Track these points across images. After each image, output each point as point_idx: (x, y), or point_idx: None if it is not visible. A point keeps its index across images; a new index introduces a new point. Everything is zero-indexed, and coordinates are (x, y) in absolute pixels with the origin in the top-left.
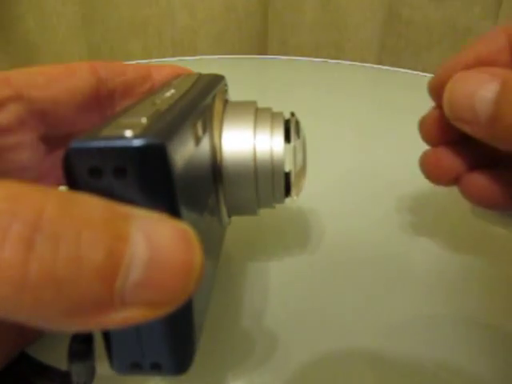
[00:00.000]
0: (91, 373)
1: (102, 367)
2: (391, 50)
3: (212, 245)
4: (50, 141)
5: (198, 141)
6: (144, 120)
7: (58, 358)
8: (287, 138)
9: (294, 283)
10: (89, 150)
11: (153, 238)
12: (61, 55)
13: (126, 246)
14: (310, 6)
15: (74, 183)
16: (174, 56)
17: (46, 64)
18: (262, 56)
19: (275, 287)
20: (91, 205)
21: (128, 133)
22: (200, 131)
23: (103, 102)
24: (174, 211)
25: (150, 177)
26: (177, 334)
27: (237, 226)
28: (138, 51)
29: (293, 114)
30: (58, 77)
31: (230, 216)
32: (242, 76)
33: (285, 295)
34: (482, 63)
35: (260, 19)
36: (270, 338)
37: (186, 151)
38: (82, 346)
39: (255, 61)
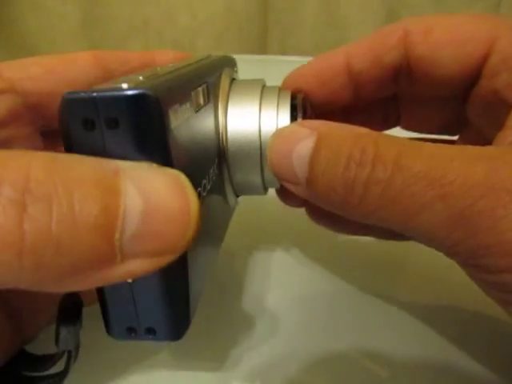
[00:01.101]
0: (77, 343)
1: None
2: None
3: (215, 221)
4: (49, 134)
5: (198, 107)
6: (141, 78)
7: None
8: (294, 116)
9: (297, 271)
10: (82, 100)
11: (145, 188)
12: None
13: (120, 198)
14: (310, 6)
15: (68, 135)
16: None
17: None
18: (261, 56)
19: (277, 275)
20: (79, 163)
21: (122, 85)
22: (200, 99)
23: None
24: (166, 162)
25: (143, 127)
26: (172, 299)
27: (241, 216)
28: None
29: (300, 91)
30: (55, 68)
31: (237, 195)
32: (242, 76)
33: (287, 283)
34: (320, 81)
35: (260, 19)
36: (271, 323)
37: (181, 111)
38: (70, 308)
39: (255, 61)
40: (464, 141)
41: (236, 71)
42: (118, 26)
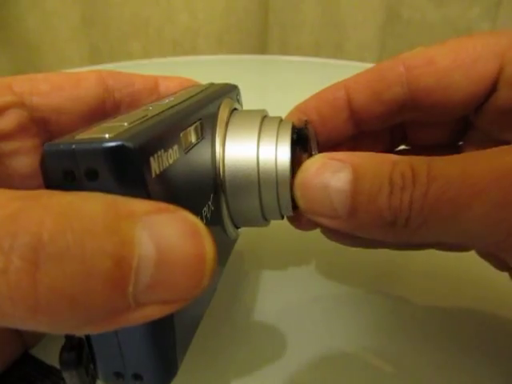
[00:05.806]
0: (90, 378)
1: None
2: (391, 50)
3: None
4: None
5: (188, 147)
6: (125, 124)
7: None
8: (294, 148)
9: (297, 273)
10: (61, 153)
11: (159, 236)
12: (61, 55)
13: (133, 249)
14: (309, 6)
15: (50, 186)
16: (174, 56)
17: (49, 69)
18: (262, 56)
19: (276, 277)
20: (91, 209)
21: (102, 136)
22: (192, 138)
23: (109, 112)
24: None
25: (122, 178)
26: (157, 346)
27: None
28: (138, 51)
29: (301, 121)
30: (62, 85)
31: (237, 227)
32: (242, 76)
33: (286, 286)
34: (322, 117)
35: (260, 19)
36: (271, 324)
37: (166, 156)
38: (71, 354)
39: (255, 61)
40: (469, 143)
41: (239, 99)
42: (118, 25)
